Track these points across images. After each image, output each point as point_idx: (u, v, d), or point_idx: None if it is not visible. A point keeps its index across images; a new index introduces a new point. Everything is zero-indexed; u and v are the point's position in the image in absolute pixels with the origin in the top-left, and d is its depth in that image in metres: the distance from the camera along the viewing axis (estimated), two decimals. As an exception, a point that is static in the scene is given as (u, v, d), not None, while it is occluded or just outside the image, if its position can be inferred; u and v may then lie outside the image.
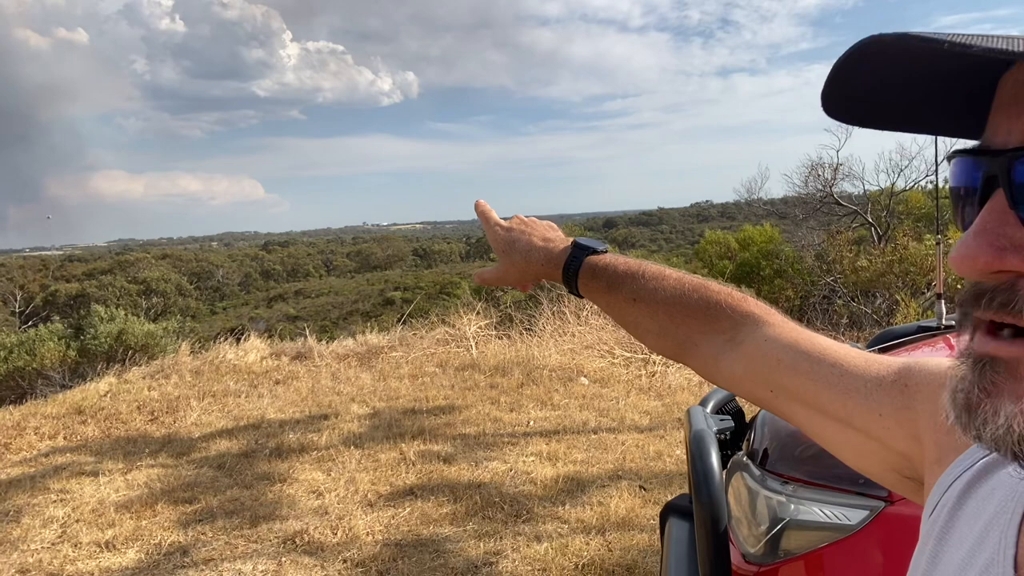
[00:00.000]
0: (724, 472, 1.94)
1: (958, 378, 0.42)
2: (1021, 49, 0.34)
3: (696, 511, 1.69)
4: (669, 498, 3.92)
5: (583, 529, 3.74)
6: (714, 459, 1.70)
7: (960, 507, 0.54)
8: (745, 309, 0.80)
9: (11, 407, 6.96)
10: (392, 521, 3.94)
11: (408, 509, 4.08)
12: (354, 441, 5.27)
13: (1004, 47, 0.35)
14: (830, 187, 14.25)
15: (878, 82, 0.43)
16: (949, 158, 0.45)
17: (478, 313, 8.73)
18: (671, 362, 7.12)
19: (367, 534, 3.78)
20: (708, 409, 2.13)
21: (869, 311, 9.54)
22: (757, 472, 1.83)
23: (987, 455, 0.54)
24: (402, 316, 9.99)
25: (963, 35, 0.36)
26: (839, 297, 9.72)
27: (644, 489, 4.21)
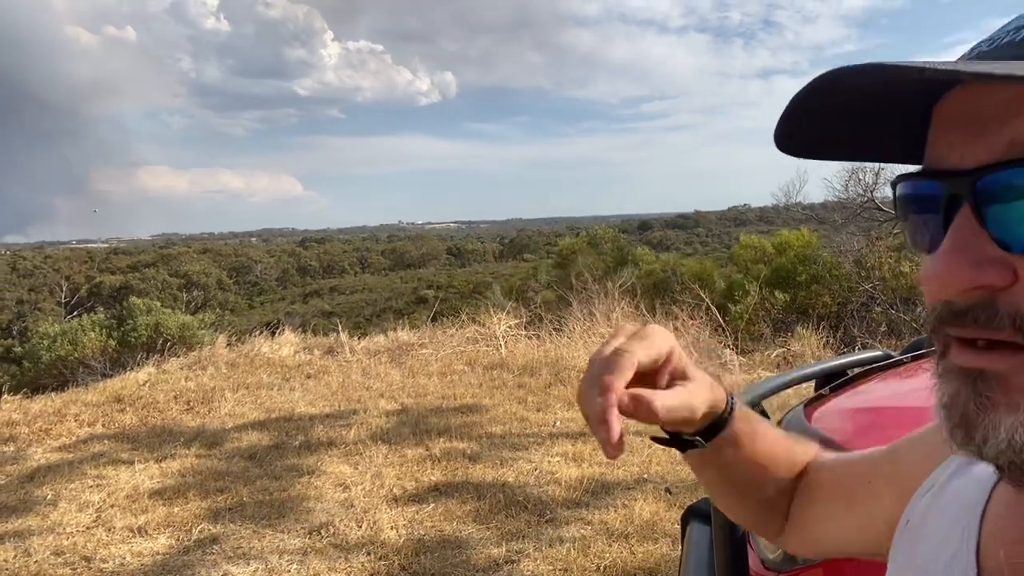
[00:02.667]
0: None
1: (948, 395, 0.42)
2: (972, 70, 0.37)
3: (714, 515, 1.68)
4: (693, 501, 3.89)
5: (606, 531, 3.72)
6: (734, 463, 1.68)
7: (930, 508, 0.56)
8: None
9: (53, 394, 7.19)
10: (416, 516, 3.97)
11: (432, 505, 4.10)
12: (381, 436, 5.33)
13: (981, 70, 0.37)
14: (871, 192, 13.97)
15: (823, 116, 0.46)
16: (895, 183, 0.47)
17: (508, 313, 8.74)
18: (701, 365, 7.05)
19: (391, 528, 3.82)
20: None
21: (909, 319, 9.33)
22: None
23: (954, 468, 0.56)
24: (432, 314, 10.06)
25: (929, 63, 0.38)
26: (877, 304, 9.52)
27: (669, 493, 4.17)
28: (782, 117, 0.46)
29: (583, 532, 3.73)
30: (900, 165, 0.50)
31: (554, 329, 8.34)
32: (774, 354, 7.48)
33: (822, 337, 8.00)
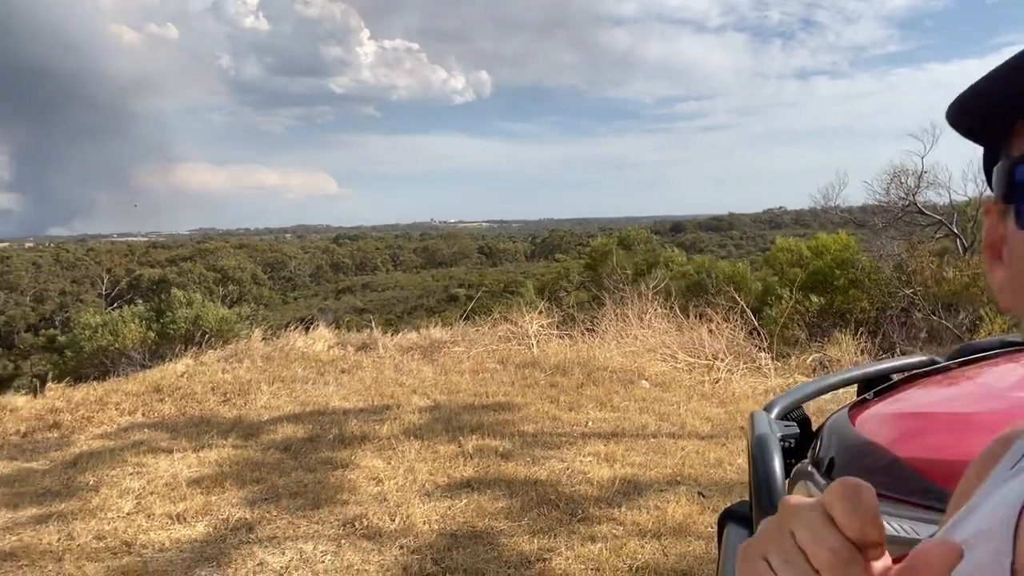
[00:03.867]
0: (787, 480, 1.89)
1: None
2: None
3: (757, 518, 1.66)
4: (727, 505, 3.84)
5: (638, 532, 3.70)
6: (776, 465, 1.66)
7: (972, 514, 0.53)
8: None
9: (95, 383, 7.36)
10: (448, 512, 3.99)
11: (464, 501, 4.12)
12: (414, 432, 5.36)
13: None
14: (913, 195, 13.65)
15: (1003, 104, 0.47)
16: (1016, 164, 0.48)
17: (540, 312, 8.74)
18: (736, 369, 6.97)
19: (424, 523, 3.84)
20: (773, 415, 2.08)
21: (950, 326, 9.10)
22: (823, 481, 1.77)
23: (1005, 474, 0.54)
24: (465, 311, 10.09)
25: None
26: (918, 310, 9.31)
27: (703, 496, 4.14)
28: (962, 97, 0.48)
29: (615, 532, 3.72)
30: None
31: (586, 329, 8.32)
32: (810, 359, 7.36)
33: (860, 343, 7.85)
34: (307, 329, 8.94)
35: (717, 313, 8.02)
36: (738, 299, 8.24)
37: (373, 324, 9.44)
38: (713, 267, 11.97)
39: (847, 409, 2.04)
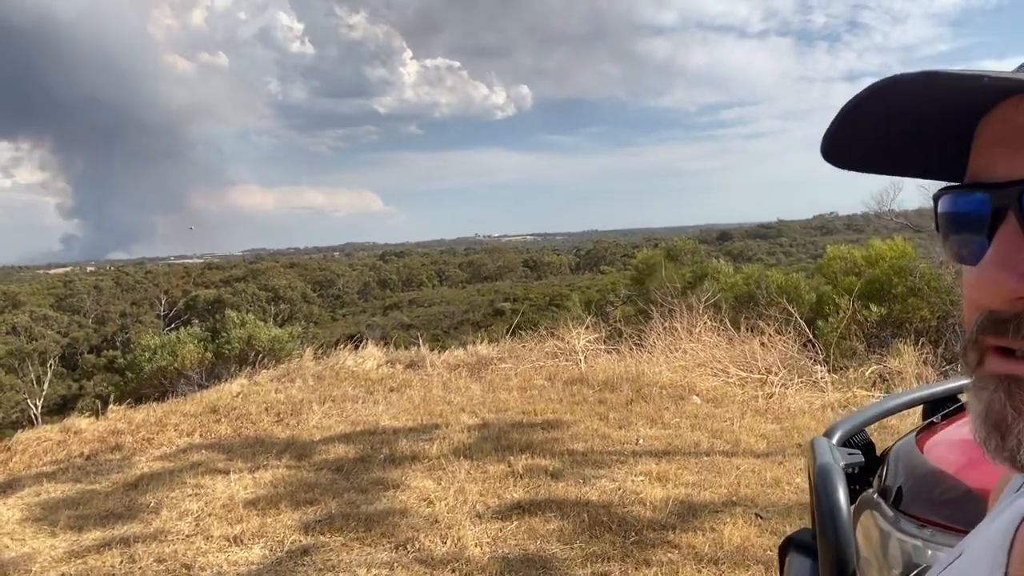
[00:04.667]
0: (852, 509, 1.82)
1: (983, 403, 0.43)
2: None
3: (821, 549, 1.60)
4: (787, 529, 3.72)
5: (695, 556, 3.62)
6: (841, 496, 1.60)
7: (976, 536, 0.55)
8: None
9: (154, 404, 7.58)
10: (500, 534, 3.97)
11: (516, 523, 4.09)
12: (464, 452, 5.36)
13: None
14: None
15: (871, 127, 0.46)
16: (937, 197, 0.48)
17: (587, 327, 8.68)
18: (790, 383, 6.79)
19: (475, 545, 3.83)
20: (834, 440, 2.01)
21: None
22: (890, 512, 1.70)
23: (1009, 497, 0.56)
24: (511, 327, 10.08)
25: (984, 72, 0.39)
26: (982, 318, 8.94)
27: (760, 518, 4.02)
28: (831, 129, 0.47)
29: (670, 556, 3.64)
30: (940, 182, 0.51)
31: (634, 344, 8.23)
32: (869, 371, 7.12)
33: (921, 353, 7.57)
34: (356, 347, 9.05)
35: (769, 325, 7.83)
36: (791, 310, 8.04)
37: (421, 341, 9.51)
38: (764, 277, 11.71)
39: (914, 434, 1.96)
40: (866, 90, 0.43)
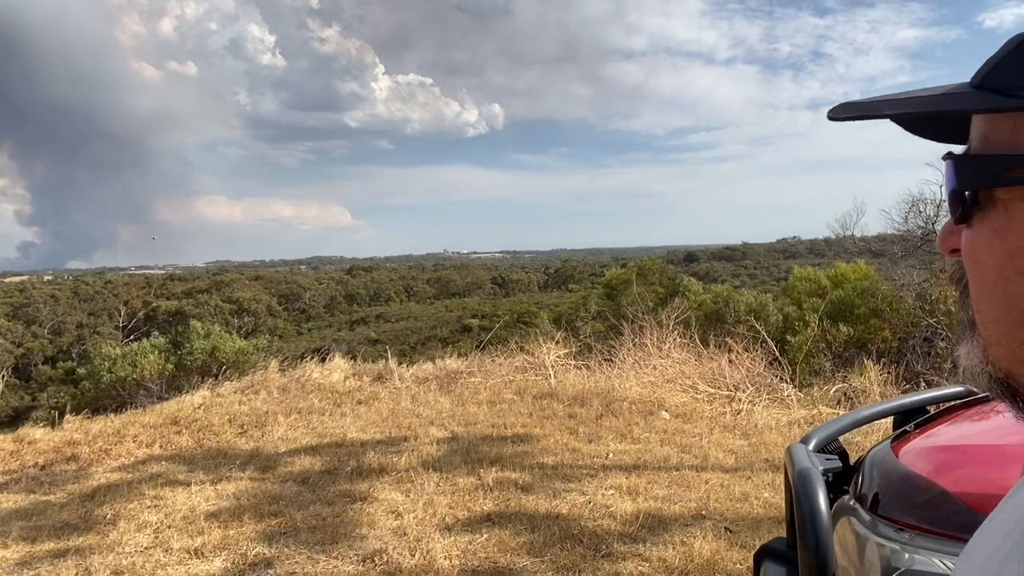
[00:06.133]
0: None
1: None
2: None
3: (802, 556, 1.59)
4: (757, 542, 3.73)
5: (665, 569, 3.60)
6: (822, 500, 1.60)
7: (992, 521, 0.55)
8: None
9: (112, 415, 7.37)
10: (469, 547, 3.91)
11: (485, 536, 4.04)
12: (433, 464, 5.29)
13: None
14: (932, 224, 13.54)
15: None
16: (947, 158, 0.52)
17: (557, 342, 8.68)
18: (758, 400, 6.86)
19: (444, 558, 3.77)
20: (810, 447, 2.02)
21: (974, 356, 8.86)
22: (867, 517, 1.71)
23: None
24: (482, 343, 10.04)
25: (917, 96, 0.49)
26: (941, 339, 9.17)
27: (730, 531, 4.03)
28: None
29: (641, 569, 3.62)
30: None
31: (604, 359, 8.25)
32: (834, 389, 7.23)
33: (883, 373, 7.72)
34: (323, 360, 8.92)
35: (737, 343, 7.92)
36: (759, 328, 8.14)
37: (389, 355, 9.41)
38: (731, 297, 11.87)
39: (889, 442, 1.98)
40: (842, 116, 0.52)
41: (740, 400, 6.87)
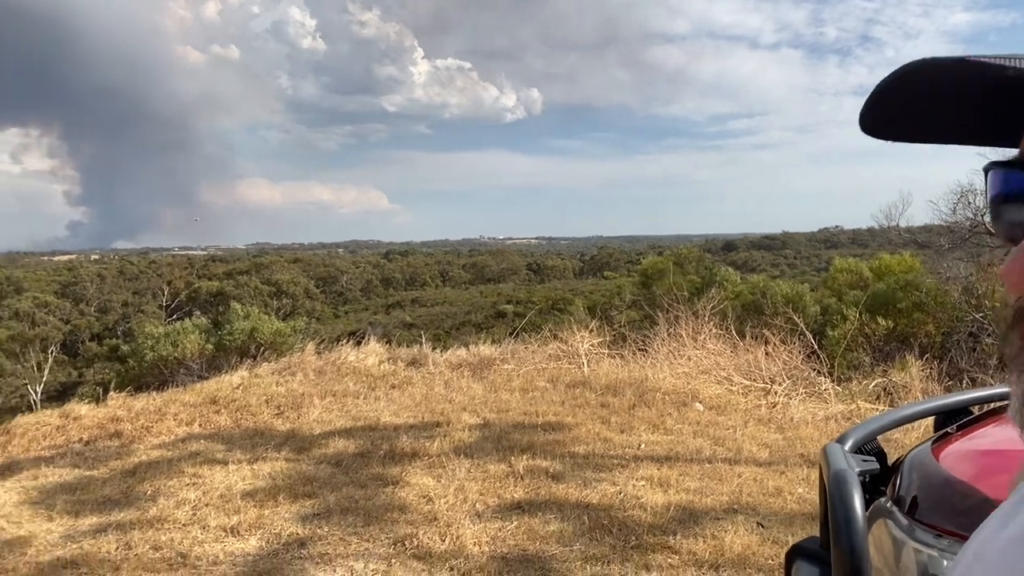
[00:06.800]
0: (865, 517, 1.79)
1: None
2: None
3: (835, 558, 1.56)
4: (789, 539, 3.68)
5: (695, 562, 3.58)
6: (857, 503, 1.56)
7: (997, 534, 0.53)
8: None
9: (154, 393, 7.55)
10: (499, 534, 3.93)
11: (515, 523, 4.05)
12: (464, 450, 5.33)
13: None
14: (981, 216, 13.10)
15: (912, 100, 0.46)
16: (988, 169, 0.46)
17: (591, 331, 8.64)
18: (794, 393, 6.75)
19: (474, 544, 3.79)
20: (847, 447, 1.97)
21: None
22: (904, 521, 1.67)
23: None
24: (515, 330, 10.05)
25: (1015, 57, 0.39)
26: (988, 335, 8.89)
27: (762, 526, 3.98)
28: (869, 103, 0.47)
29: (670, 561, 3.60)
30: (985, 148, 0.51)
31: (638, 349, 8.19)
32: (873, 384, 7.08)
33: (926, 368, 7.52)
34: (358, 343, 9.02)
35: (774, 335, 7.79)
36: (796, 321, 7.99)
37: (423, 340, 9.48)
38: (769, 287, 11.67)
39: (930, 443, 1.92)
40: (902, 69, 0.43)
41: (776, 393, 6.77)
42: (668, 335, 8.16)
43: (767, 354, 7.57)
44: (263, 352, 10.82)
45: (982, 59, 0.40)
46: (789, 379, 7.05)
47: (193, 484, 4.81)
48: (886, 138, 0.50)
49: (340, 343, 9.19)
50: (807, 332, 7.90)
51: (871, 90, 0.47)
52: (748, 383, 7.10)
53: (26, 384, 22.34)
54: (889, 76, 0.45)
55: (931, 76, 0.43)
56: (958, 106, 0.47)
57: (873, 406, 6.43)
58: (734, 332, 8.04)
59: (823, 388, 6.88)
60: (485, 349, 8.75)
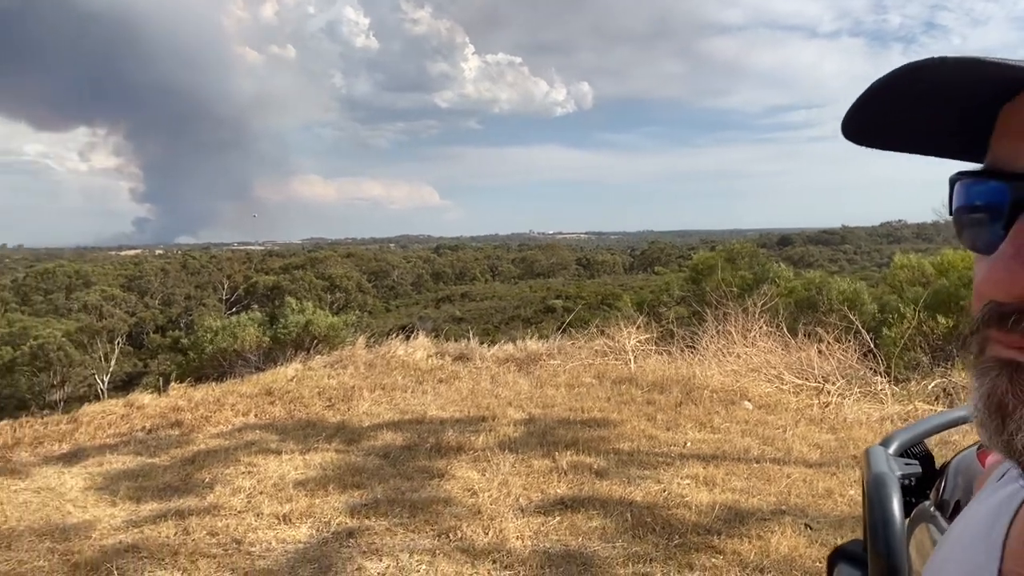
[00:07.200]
0: (907, 522, 1.76)
1: (985, 387, 0.43)
2: None
3: (872, 562, 1.54)
4: (838, 541, 3.61)
5: (739, 562, 3.55)
6: (895, 507, 1.53)
7: (957, 526, 0.57)
8: None
9: (213, 384, 7.83)
10: (542, 528, 3.97)
11: (558, 518, 4.08)
12: (509, 445, 5.37)
13: None
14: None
15: (896, 107, 0.46)
16: (954, 180, 0.47)
17: (638, 327, 8.59)
18: (848, 393, 6.59)
19: (516, 538, 3.83)
20: (891, 450, 1.93)
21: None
22: (946, 525, 1.63)
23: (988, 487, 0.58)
24: (562, 324, 10.05)
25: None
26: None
27: (810, 528, 3.92)
28: (860, 102, 0.46)
29: (714, 561, 3.58)
30: (957, 161, 0.50)
31: (686, 346, 8.10)
32: (932, 385, 6.85)
33: (989, 368, 7.23)
34: (407, 337, 9.16)
35: (828, 333, 7.61)
36: (852, 318, 7.78)
37: (471, 335, 9.56)
38: (825, 284, 11.37)
39: (975, 448, 1.87)
40: (907, 67, 0.43)
41: (829, 393, 6.61)
42: (717, 332, 8.05)
43: (820, 352, 7.40)
44: (316, 345, 11.09)
45: (998, 62, 0.38)
46: (843, 378, 6.89)
47: (248, 473, 4.98)
48: (871, 145, 0.50)
49: (390, 337, 9.36)
50: (863, 330, 7.69)
51: (867, 88, 0.46)
52: (800, 382, 6.96)
53: (94, 374, 23.38)
54: (890, 74, 0.44)
55: (928, 78, 0.43)
56: (942, 115, 0.47)
57: (931, 407, 6.23)
58: (786, 330, 7.88)
59: (879, 388, 6.69)
60: (532, 344, 8.79)
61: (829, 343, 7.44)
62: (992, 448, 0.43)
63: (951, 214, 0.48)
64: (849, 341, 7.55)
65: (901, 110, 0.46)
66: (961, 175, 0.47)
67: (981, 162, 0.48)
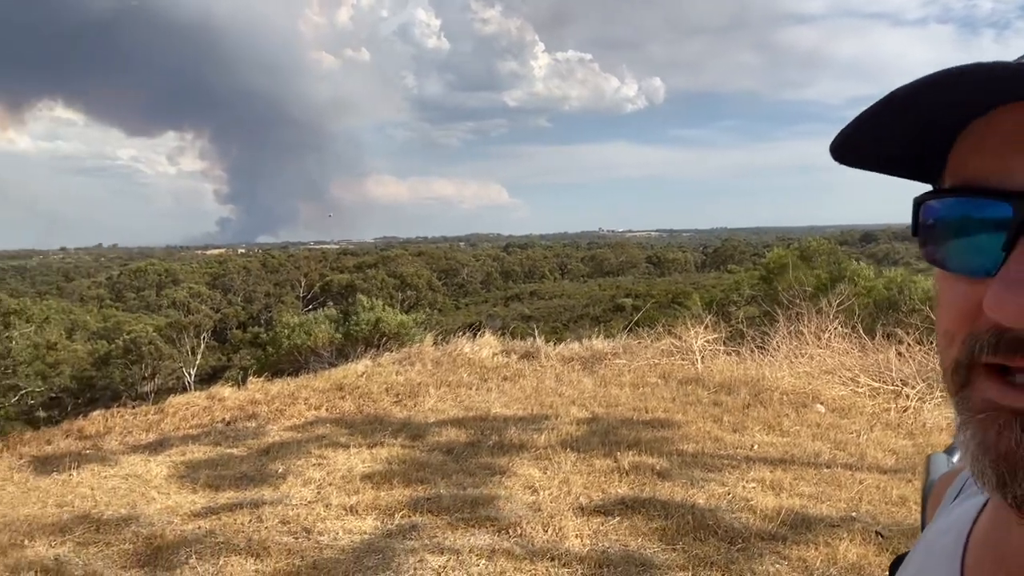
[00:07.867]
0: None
1: (993, 433, 0.39)
2: None
3: (927, 573, 1.49)
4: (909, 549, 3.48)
5: (805, 569, 3.46)
6: (953, 518, 1.48)
7: (919, 548, 0.58)
8: None
9: (288, 378, 8.13)
10: (601, 528, 3.97)
11: (618, 519, 4.07)
12: (571, 444, 5.38)
13: None
14: None
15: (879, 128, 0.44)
16: (923, 200, 0.45)
17: (706, 326, 8.43)
18: (928, 397, 6.30)
19: (576, 537, 3.85)
20: (955, 459, 1.86)
21: None
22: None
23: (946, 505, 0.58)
24: (629, 323, 9.97)
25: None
26: None
27: (881, 536, 3.78)
28: (848, 129, 0.45)
29: (778, 567, 3.50)
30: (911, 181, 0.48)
31: (756, 347, 7.91)
32: (1022, 390, 6.47)
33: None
34: (475, 335, 9.28)
35: (909, 334, 7.28)
36: (935, 319, 7.42)
37: (537, 333, 9.60)
38: (908, 283, 10.87)
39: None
40: (926, 80, 0.40)
41: (908, 396, 6.34)
42: (789, 333, 7.82)
43: (900, 354, 7.10)
44: (386, 342, 11.35)
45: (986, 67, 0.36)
46: (924, 382, 6.58)
47: (318, 464, 5.17)
48: (850, 164, 0.48)
49: (458, 335, 9.50)
50: (946, 332, 7.31)
51: (873, 105, 0.43)
52: (876, 385, 6.69)
53: (182, 367, 24.61)
54: (903, 89, 0.41)
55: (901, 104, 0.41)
56: (900, 133, 0.45)
57: (1020, 414, 5.89)
58: (863, 331, 7.59)
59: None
60: (597, 343, 8.75)
61: (909, 345, 7.12)
62: (999, 501, 0.40)
63: (916, 234, 0.45)
64: (932, 343, 7.20)
65: (895, 131, 0.45)
66: (937, 193, 0.44)
67: (927, 182, 0.47)
